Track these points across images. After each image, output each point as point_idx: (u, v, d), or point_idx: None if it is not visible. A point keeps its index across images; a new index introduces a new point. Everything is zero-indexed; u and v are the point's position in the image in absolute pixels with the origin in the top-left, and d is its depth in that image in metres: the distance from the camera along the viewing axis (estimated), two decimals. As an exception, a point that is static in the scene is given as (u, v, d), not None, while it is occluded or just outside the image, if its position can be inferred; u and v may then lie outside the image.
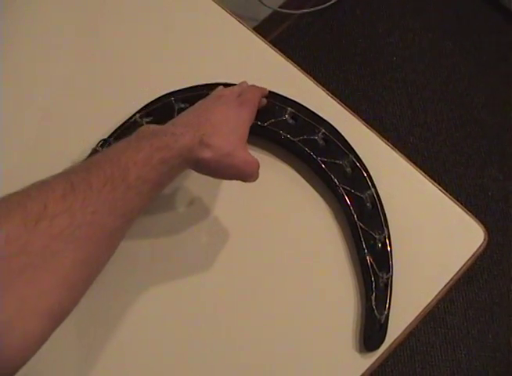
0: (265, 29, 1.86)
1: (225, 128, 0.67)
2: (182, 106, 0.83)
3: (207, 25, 0.94)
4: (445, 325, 1.71)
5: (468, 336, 1.72)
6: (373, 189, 0.79)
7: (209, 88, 0.84)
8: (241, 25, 0.94)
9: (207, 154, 0.64)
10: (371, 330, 0.74)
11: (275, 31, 2.03)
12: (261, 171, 0.81)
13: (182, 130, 0.64)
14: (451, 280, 0.79)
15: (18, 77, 0.90)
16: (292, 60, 0.91)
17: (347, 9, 2.14)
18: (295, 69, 0.91)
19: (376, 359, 0.74)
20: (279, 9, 1.90)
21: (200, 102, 0.73)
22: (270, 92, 0.84)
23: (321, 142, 0.82)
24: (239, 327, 0.76)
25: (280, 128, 0.82)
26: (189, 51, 0.92)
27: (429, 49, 2.12)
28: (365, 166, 0.81)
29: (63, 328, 0.50)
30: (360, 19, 2.15)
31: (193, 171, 0.67)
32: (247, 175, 0.70)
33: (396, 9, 2.18)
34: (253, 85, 0.80)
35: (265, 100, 0.81)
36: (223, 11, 0.95)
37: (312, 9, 1.98)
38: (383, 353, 0.75)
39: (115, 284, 0.76)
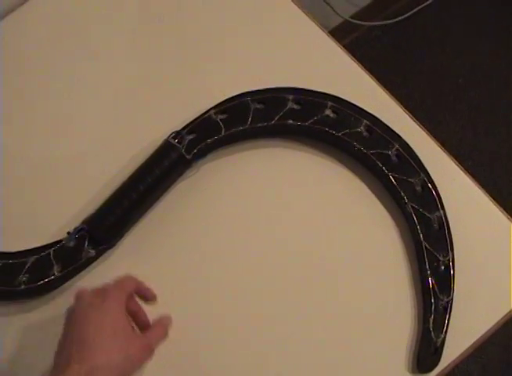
0: (334, 37, 1.86)
1: (105, 338, 0.61)
2: (258, 106, 0.83)
3: (290, 29, 0.94)
4: (485, 355, 1.68)
5: (509, 369, 1.68)
6: (441, 211, 0.78)
7: (286, 91, 0.84)
8: (323, 33, 0.93)
9: None
10: (426, 353, 0.73)
11: (343, 41, 2.03)
12: (330, 180, 0.82)
13: (67, 372, 0.58)
14: (511, 311, 0.77)
15: (97, 66, 0.92)
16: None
17: (418, 25, 2.12)
18: (372, 81, 0.90)
19: (428, 383, 0.74)
20: (350, 19, 1.90)
21: (68, 313, 0.66)
22: (347, 101, 0.84)
23: (394, 158, 0.81)
24: (293, 340, 0.76)
25: (354, 139, 0.81)
26: (269, 54, 0.92)
27: (496, 75, 2.08)
28: (435, 187, 0.80)
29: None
30: (430, 36, 2.13)
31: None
32: (160, 342, 0.67)
33: (467, 30, 2.14)
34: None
35: (148, 289, 0.72)
36: (306, 17, 0.94)
37: (383, 23, 1.97)
38: (435, 376, 0.74)
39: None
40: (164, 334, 0.68)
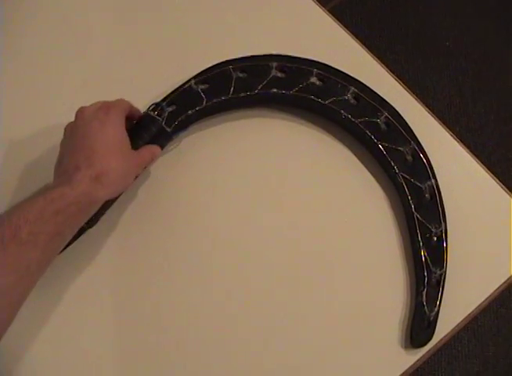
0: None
1: (111, 147, 0.66)
2: (241, 75, 0.80)
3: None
4: (475, 321, 1.68)
5: (498, 334, 1.68)
6: (433, 180, 0.76)
7: (269, 59, 0.81)
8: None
9: (107, 189, 0.64)
10: (419, 327, 0.71)
11: (326, 6, 1.98)
12: (317, 151, 0.80)
13: (77, 175, 0.62)
14: (505, 282, 0.76)
15: (74, 38, 0.88)
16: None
17: (404, -13, 2.09)
18: (359, 46, 0.87)
19: (421, 357, 0.72)
20: (333, -17, 1.86)
21: (70, 128, 0.69)
22: (333, 68, 0.81)
23: (383, 126, 0.78)
24: (283, 317, 0.73)
25: (341, 107, 0.79)
26: (251, 20, 0.89)
27: (484, 37, 2.05)
28: (426, 155, 0.77)
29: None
30: (415, -1, 2.10)
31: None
32: (147, 165, 0.74)
33: (454, -8, 2.11)
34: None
35: (138, 111, 0.76)
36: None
37: (367, -14, 1.93)
38: (428, 351, 0.72)
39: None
40: (151, 158, 0.73)
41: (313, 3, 0.90)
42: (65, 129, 0.71)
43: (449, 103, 1.94)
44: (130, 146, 0.69)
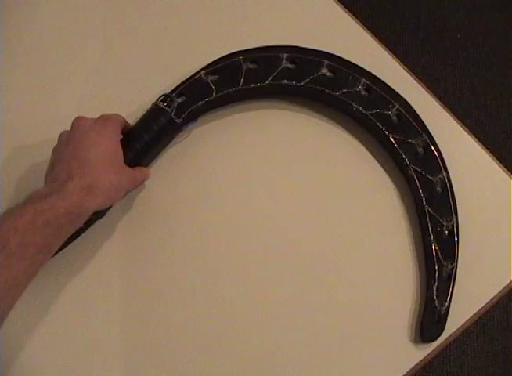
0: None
1: (105, 159, 0.66)
2: (251, 66, 0.79)
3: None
4: (484, 315, 1.66)
5: (507, 329, 1.68)
6: (444, 173, 0.75)
7: (279, 50, 0.81)
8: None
9: (98, 200, 0.64)
10: (429, 321, 0.71)
11: (337, -3, 1.98)
12: (328, 142, 0.79)
13: (69, 185, 0.62)
14: (517, 277, 0.75)
15: (82, 28, 0.87)
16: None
17: (415, -21, 2.07)
18: (370, 37, 0.86)
19: (431, 352, 0.71)
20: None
21: (66, 136, 0.69)
22: (344, 59, 0.80)
23: (394, 118, 0.77)
24: (291, 310, 0.73)
25: (352, 99, 0.78)
26: (261, 10, 0.88)
27: (495, 30, 2.03)
28: (438, 148, 0.77)
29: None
30: (427, -9, 2.08)
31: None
32: (140, 184, 0.74)
33: (465, -16, 2.10)
34: None
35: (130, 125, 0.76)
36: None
37: (378, -23, 1.92)
38: (438, 346, 0.72)
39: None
40: (143, 179, 0.74)
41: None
42: (60, 136, 0.70)
43: (460, 95, 1.92)
44: (123, 161, 0.69)
